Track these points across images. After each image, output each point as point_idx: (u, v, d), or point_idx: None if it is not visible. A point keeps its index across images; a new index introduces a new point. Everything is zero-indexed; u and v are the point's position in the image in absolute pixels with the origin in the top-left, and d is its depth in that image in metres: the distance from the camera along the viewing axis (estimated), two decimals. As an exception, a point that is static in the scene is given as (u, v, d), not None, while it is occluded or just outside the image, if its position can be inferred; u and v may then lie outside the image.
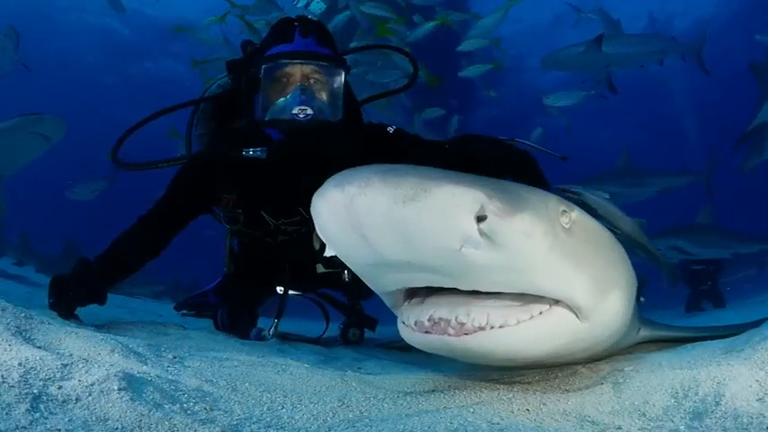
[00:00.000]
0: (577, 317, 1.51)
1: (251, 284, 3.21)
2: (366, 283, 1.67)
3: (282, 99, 2.52)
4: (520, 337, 1.48)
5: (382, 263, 1.45)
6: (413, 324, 1.58)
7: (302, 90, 2.50)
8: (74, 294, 2.48)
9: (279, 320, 2.90)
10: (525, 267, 1.39)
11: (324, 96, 2.57)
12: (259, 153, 2.61)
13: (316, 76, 2.56)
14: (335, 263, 2.75)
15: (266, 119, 2.57)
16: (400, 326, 1.67)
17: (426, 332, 1.53)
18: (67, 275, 2.56)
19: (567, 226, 1.47)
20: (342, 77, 2.61)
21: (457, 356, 1.61)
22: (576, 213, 1.53)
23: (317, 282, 3.06)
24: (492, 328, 1.46)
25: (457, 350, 1.52)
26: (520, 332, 1.47)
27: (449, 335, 1.49)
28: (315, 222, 1.49)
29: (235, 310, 3.16)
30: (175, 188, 2.93)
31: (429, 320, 1.52)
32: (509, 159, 2.37)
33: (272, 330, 2.86)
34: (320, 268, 2.88)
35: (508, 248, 1.34)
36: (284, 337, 3.02)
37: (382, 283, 1.60)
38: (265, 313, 3.34)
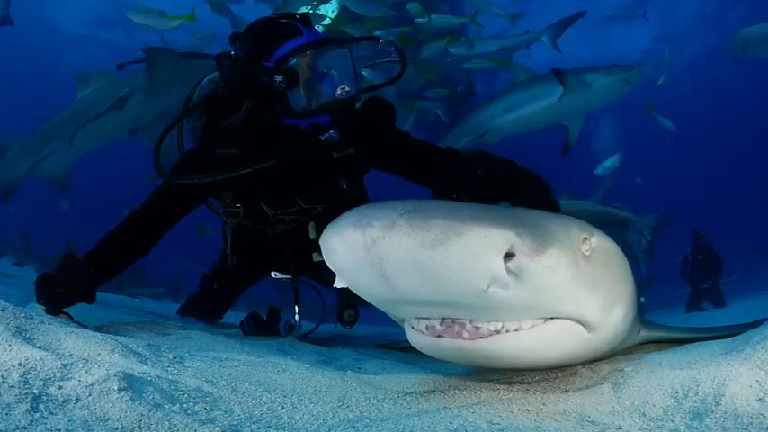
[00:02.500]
0: (585, 329, 1.54)
1: (246, 273, 3.31)
2: (376, 306, 1.65)
3: (322, 85, 2.57)
4: (534, 340, 1.47)
5: (401, 300, 1.43)
6: (423, 328, 1.55)
7: (337, 73, 2.57)
8: (60, 292, 2.46)
9: (298, 307, 3.00)
10: (545, 298, 1.40)
11: (349, 74, 2.63)
12: (333, 134, 2.60)
13: (337, 60, 2.62)
14: None
15: (313, 107, 2.58)
16: (408, 330, 1.64)
17: (439, 336, 1.51)
18: (53, 273, 2.54)
19: (587, 253, 1.48)
20: (349, 55, 2.67)
21: (467, 361, 1.61)
22: (596, 239, 1.54)
23: (312, 269, 3.08)
24: (507, 331, 1.46)
25: (470, 354, 1.51)
26: (533, 335, 1.47)
27: (463, 338, 1.47)
28: (324, 255, 1.46)
29: (207, 298, 3.27)
30: (173, 184, 2.89)
31: (441, 324, 1.50)
32: (529, 186, 2.38)
33: (296, 317, 2.96)
34: (316, 257, 2.89)
35: (533, 284, 1.34)
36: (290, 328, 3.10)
37: (395, 312, 1.59)
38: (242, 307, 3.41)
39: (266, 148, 2.67)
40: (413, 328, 1.61)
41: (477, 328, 1.47)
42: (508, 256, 1.28)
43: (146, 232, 2.86)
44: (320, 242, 1.45)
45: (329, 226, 1.40)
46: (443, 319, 1.50)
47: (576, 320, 1.51)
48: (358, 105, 2.81)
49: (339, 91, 2.54)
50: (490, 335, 1.46)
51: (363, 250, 1.30)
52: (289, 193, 2.85)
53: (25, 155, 7.89)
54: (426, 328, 1.54)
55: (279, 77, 2.50)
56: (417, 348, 1.65)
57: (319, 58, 2.58)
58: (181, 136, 3.05)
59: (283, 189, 2.85)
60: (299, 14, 2.78)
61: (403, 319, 1.68)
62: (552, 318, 1.49)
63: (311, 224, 2.86)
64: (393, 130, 2.89)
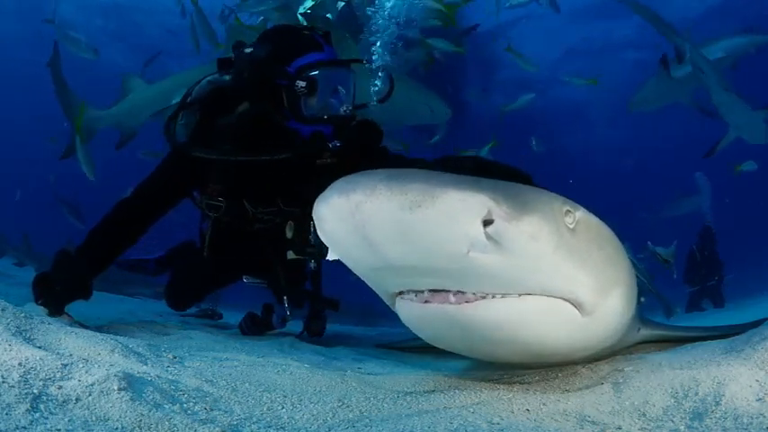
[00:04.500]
0: (579, 312, 1.51)
1: (220, 270, 3.43)
2: (368, 284, 1.67)
3: (332, 99, 2.84)
4: (522, 309, 1.46)
5: (387, 267, 1.44)
6: (412, 296, 1.55)
7: (344, 91, 2.87)
8: (60, 290, 2.49)
9: (286, 298, 3.18)
10: (531, 269, 1.39)
11: (352, 93, 2.93)
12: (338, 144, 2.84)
13: (346, 79, 2.90)
14: (305, 251, 2.96)
15: (323, 117, 2.82)
16: (398, 303, 1.63)
17: (426, 302, 1.51)
18: (50, 273, 2.57)
19: (571, 226, 1.47)
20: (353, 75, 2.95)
21: (455, 333, 1.57)
22: (581, 213, 1.53)
23: (285, 269, 3.21)
24: (494, 297, 1.45)
25: (457, 321, 1.49)
26: (522, 304, 1.45)
27: (449, 303, 1.47)
28: (317, 226, 1.48)
29: (179, 284, 3.46)
30: (163, 174, 3.00)
31: (430, 290, 1.50)
32: (510, 172, 2.53)
33: (286, 307, 3.15)
34: (290, 255, 3.02)
35: (514, 251, 1.34)
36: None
37: (385, 285, 1.59)
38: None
39: (268, 144, 2.83)
40: (402, 298, 1.60)
41: (464, 293, 1.46)
42: (488, 223, 1.29)
43: (134, 223, 2.94)
44: (313, 214, 1.47)
45: (320, 196, 1.43)
46: (431, 288, 1.50)
47: (568, 300, 1.49)
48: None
49: (344, 108, 2.85)
50: (476, 300, 1.45)
51: (349, 215, 1.34)
52: (272, 193, 2.99)
53: (150, 102, 7.75)
54: (416, 295, 1.54)
55: (301, 84, 2.73)
56: (406, 323, 1.65)
57: (335, 75, 2.87)
58: (174, 131, 3.09)
59: (268, 188, 2.98)
60: (321, 30, 3.02)
61: (393, 300, 1.67)
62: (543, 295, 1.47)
63: (289, 224, 2.97)
64: (380, 148, 3.12)
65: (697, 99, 9.16)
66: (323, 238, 1.51)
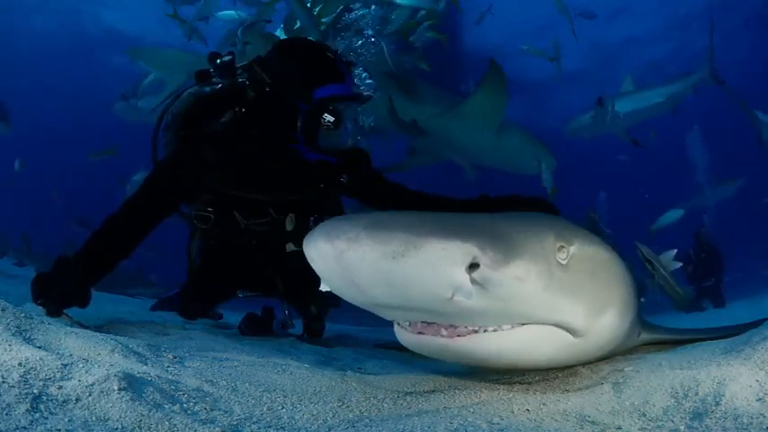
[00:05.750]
0: (572, 335, 1.54)
1: (214, 284, 3.33)
2: None
3: (343, 130, 2.82)
4: (512, 341, 1.49)
5: (377, 306, 1.49)
6: (407, 325, 1.59)
7: (351, 125, 2.88)
8: (60, 291, 2.47)
9: (286, 305, 3.22)
10: (519, 307, 1.42)
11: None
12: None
13: (353, 114, 2.93)
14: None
15: (334, 150, 2.83)
16: (396, 328, 1.68)
17: (420, 333, 1.54)
18: (50, 274, 2.55)
19: (564, 262, 1.48)
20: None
21: (451, 358, 1.62)
22: (575, 247, 1.53)
23: (284, 278, 3.19)
24: (485, 331, 1.48)
25: (449, 352, 1.53)
26: (513, 337, 1.48)
27: (441, 336, 1.50)
28: (309, 261, 1.51)
29: (189, 298, 3.38)
30: (159, 185, 2.89)
31: (423, 321, 1.53)
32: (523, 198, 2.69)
33: (286, 313, 3.20)
34: (290, 247, 2.98)
35: (501, 294, 1.36)
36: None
37: (379, 313, 1.62)
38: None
39: (276, 172, 2.86)
40: (398, 324, 1.65)
41: (455, 327, 1.49)
42: (474, 267, 1.30)
43: (133, 232, 2.83)
44: (304, 248, 1.49)
45: (307, 236, 1.46)
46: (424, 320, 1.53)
47: (560, 327, 1.51)
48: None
49: (352, 140, 2.91)
50: (468, 334, 1.48)
51: (333, 260, 1.36)
52: (263, 204, 2.94)
53: None
54: (410, 324, 1.58)
55: (329, 117, 2.72)
56: (402, 344, 1.68)
57: (353, 109, 2.91)
58: (155, 149, 3.05)
59: (260, 200, 2.93)
60: (344, 57, 3.01)
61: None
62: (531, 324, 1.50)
63: (290, 216, 2.94)
64: (369, 171, 3.17)
65: (630, 132, 9.88)
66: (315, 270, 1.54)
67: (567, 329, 1.52)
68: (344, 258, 1.33)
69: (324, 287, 1.56)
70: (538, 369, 1.77)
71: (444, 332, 1.50)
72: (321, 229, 1.40)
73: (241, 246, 3.03)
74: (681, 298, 5.68)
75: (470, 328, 1.48)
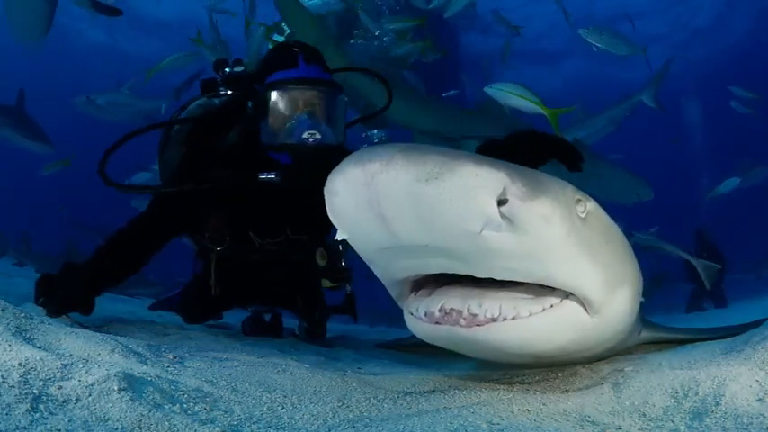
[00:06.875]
0: (587, 311, 1.51)
1: (224, 299, 3.24)
2: (374, 270, 1.65)
3: (290, 123, 2.60)
4: (532, 328, 1.47)
5: (398, 246, 1.42)
6: (422, 315, 1.56)
7: (310, 114, 2.60)
8: (63, 294, 2.46)
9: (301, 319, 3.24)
10: (542, 253, 1.39)
11: (329, 121, 2.67)
12: (273, 176, 2.65)
13: (321, 101, 2.65)
14: (342, 276, 2.79)
15: (276, 143, 2.63)
16: (407, 317, 1.65)
17: (437, 323, 1.52)
18: (55, 276, 2.54)
19: (582, 215, 1.47)
20: (344, 103, 2.73)
21: (464, 350, 1.61)
22: (592, 204, 1.53)
23: (303, 297, 3.19)
24: (504, 319, 1.46)
25: (467, 342, 1.51)
26: (532, 324, 1.47)
27: (460, 326, 1.48)
28: (327, 203, 1.47)
29: (192, 306, 3.35)
30: (160, 209, 2.83)
31: (440, 311, 1.51)
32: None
33: (299, 329, 3.26)
34: (326, 283, 2.87)
35: (527, 232, 1.34)
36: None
37: (393, 269, 1.57)
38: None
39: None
40: (411, 314, 1.62)
41: (475, 315, 1.47)
42: (502, 203, 1.30)
43: (138, 253, 2.79)
44: (324, 189, 1.45)
45: (335, 169, 1.42)
46: (441, 306, 1.51)
47: (576, 299, 1.49)
48: None
49: (306, 135, 2.58)
50: (487, 322, 1.46)
51: (363, 187, 1.32)
52: (280, 220, 2.86)
53: None
54: (425, 314, 1.55)
55: (256, 106, 2.61)
56: (416, 335, 1.65)
57: (295, 94, 2.62)
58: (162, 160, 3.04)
59: (276, 214, 2.85)
60: (311, 46, 2.84)
61: (400, 291, 1.67)
62: (549, 294, 1.49)
63: (320, 251, 2.79)
64: None
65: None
66: (331, 216, 1.49)
67: (582, 299, 1.49)
68: (376, 182, 1.29)
69: (340, 235, 1.50)
70: (554, 361, 1.73)
71: (463, 321, 1.47)
72: (352, 158, 1.37)
73: (254, 265, 2.99)
74: (707, 270, 5.67)
75: (489, 317, 1.46)
